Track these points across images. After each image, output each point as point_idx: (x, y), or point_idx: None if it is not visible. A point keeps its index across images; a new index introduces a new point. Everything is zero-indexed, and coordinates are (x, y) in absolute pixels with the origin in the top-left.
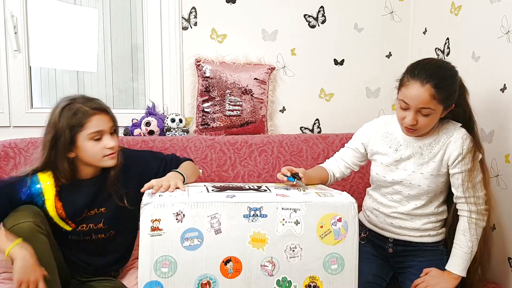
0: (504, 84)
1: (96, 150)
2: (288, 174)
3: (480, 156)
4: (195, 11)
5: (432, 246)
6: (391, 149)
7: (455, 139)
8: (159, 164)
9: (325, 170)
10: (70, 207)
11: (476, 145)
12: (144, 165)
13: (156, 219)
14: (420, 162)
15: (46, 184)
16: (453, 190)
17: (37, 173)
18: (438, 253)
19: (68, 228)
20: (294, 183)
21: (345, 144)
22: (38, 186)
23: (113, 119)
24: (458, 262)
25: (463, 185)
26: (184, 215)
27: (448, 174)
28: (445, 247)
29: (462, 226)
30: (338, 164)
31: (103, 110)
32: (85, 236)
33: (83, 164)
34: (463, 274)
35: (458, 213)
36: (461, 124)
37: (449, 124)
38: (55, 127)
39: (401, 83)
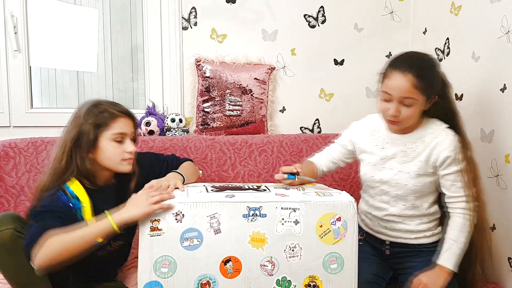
0: (504, 84)
1: (116, 152)
2: (294, 171)
3: (469, 153)
4: (195, 11)
5: (429, 247)
6: (377, 147)
7: (442, 140)
8: (161, 166)
9: (314, 165)
10: (100, 211)
11: (464, 144)
12: (149, 168)
13: (155, 219)
14: (404, 161)
15: (80, 192)
16: (443, 190)
17: (66, 183)
18: (437, 253)
19: (100, 240)
20: (295, 180)
21: (335, 140)
22: (76, 197)
23: (135, 126)
24: (453, 257)
25: (454, 185)
26: (183, 215)
27: (435, 175)
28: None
29: (458, 222)
30: (326, 158)
31: (129, 114)
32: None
33: (100, 168)
34: (456, 269)
35: (451, 211)
36: (447, 126)
37: (435, 124)
38: (79, 125)
39: (383, 75)
